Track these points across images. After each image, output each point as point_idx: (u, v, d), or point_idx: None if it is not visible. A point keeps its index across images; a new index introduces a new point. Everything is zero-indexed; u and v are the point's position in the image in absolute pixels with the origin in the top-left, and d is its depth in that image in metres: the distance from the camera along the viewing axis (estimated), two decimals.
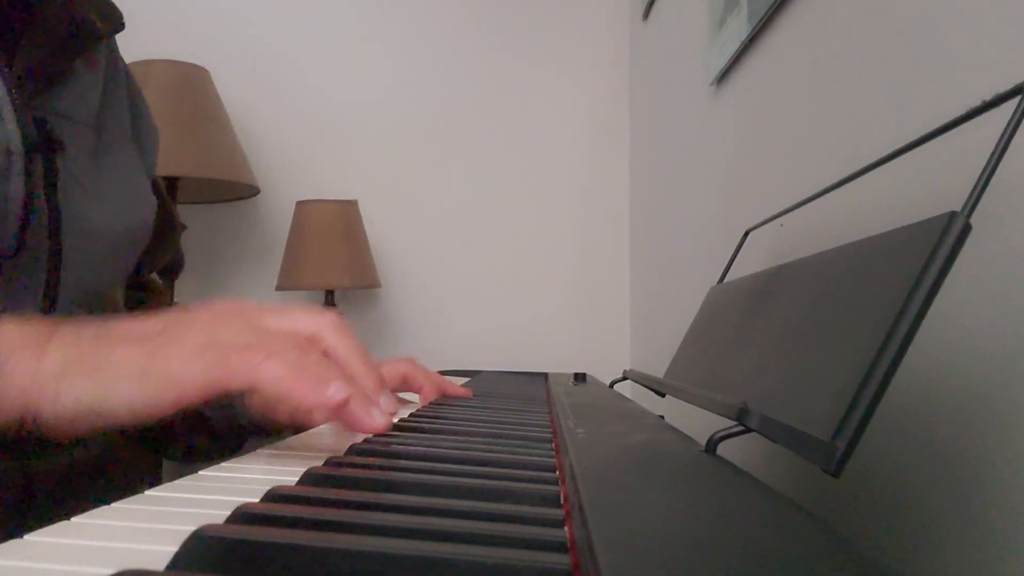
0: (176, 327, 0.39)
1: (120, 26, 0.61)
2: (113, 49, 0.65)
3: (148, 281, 0.77)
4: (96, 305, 0.58)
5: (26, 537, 0.23)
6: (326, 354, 0.40)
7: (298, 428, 0.54)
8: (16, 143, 0.49)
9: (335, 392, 0.35)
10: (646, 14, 1.65)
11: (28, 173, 0.50)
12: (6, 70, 0.49)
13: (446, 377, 0.73)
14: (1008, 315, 0.38)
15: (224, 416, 0.65)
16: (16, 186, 0.49)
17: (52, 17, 0.54)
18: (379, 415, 0.38)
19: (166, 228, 0.72)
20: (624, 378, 0.77)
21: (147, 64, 1.57)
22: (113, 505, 0.27)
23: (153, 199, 0.66)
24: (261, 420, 0.50)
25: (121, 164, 0.62)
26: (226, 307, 0.41)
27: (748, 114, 0.90)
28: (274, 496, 0.27)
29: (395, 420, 0.49)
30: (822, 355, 0.34)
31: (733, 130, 0.97)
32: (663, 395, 0.61)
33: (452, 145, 1.91)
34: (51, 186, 0.53)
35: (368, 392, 0.39)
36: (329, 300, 1.74)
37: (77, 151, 0.57)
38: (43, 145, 0.52)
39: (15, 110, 0.49)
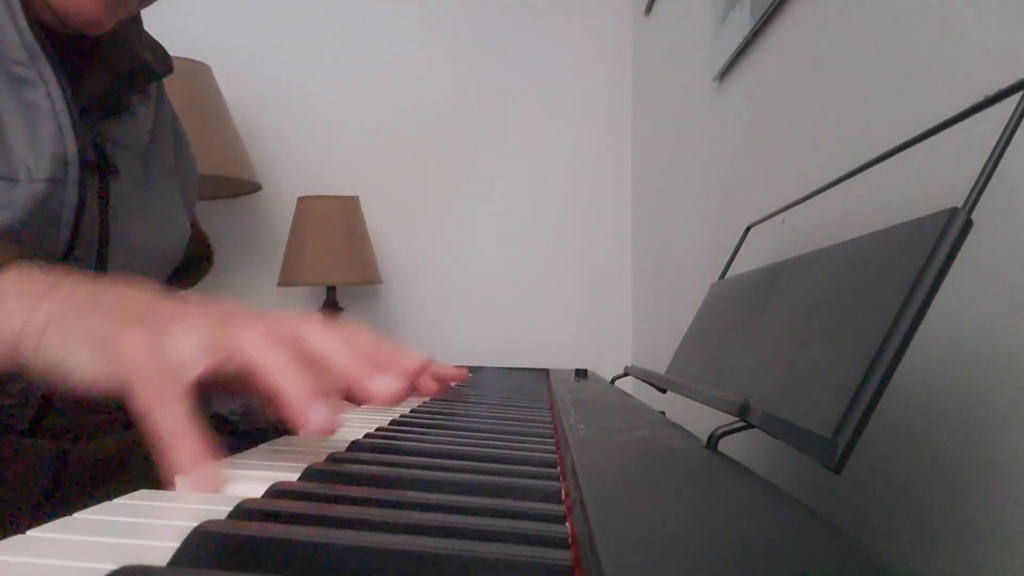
0: (163, 312, 0.37)
1: (170, 69, 0.67)
2: (162, 90, 0.72)
3: None
4: None
5: (29, 533, 0.23)
6: (314, 356, 0.37)
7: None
8: (72, 153, 0.54)
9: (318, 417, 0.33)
10: (648, 9, 1.64)
11: (82, 184, 0.54)
12: (69, 92, 0.54)
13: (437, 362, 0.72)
14: (1010, 311, 0.38)
15: (246, 419, 0.70)
16: (71, 193, 0.54)
17: (115, 55, 0.61)
18: (388, 381, 0.37)
19: (200, 256, 0.80)
20: (625, 374, 0.77)
21: None
22: (115, 501, 0.27)
23: (187, 226, 0.73)
24: (277, 422, 0.48)
25: (163, 192, 0.69)
26: (215, 306, 0.39)
27: (750, 109, 0.90)
28: (276, 492, 0.27)
29: (396, 416, 0.49)
30: (823, 351, 0.34)
31: (735, 126, 0.97)
32: (664, 391, 0.61)
33: (454, 141, 1.91)
34: (103, 206, 0.59)
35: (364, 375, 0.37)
36: (330, 296, 1.74)
37: (128, 176, 0.63)
38: (100, 166, 0.58)
39: (73, 126, 0.54)
